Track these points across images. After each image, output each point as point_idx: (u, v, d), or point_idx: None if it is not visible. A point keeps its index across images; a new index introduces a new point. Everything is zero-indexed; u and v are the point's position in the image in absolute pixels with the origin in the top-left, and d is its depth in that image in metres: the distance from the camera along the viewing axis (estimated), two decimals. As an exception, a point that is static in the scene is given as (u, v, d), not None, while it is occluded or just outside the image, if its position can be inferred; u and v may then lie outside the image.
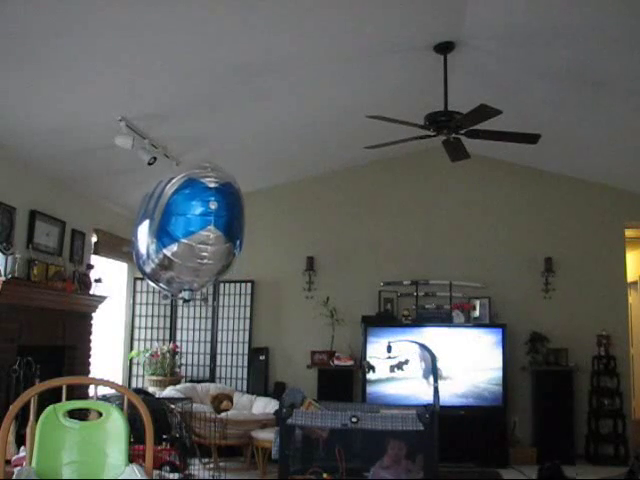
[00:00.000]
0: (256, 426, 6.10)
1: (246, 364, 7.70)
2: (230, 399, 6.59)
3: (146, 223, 3.80)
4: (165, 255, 3.50)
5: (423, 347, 4.72)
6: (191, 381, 7.43)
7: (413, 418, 3.86)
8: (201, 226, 3.26)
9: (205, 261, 3.40)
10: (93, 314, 6.43)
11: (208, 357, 7.82)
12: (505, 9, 4.29)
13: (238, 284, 7.82)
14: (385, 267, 7.61)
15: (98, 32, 3.82)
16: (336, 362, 7.21)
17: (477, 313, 7.30)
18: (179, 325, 7.87)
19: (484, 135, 4.68)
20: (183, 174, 3.44)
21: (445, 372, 6.82)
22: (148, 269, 4.01)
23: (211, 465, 6.03)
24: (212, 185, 3.31)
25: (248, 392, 7.32)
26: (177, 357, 7.48)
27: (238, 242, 3.52)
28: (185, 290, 3.95)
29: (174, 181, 3.43)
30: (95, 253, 6.91)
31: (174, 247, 3.39)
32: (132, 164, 5.53)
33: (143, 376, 7.51)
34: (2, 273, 4.91)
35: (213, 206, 3.23)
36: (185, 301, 4.12)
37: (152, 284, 4.45)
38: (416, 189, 7.81)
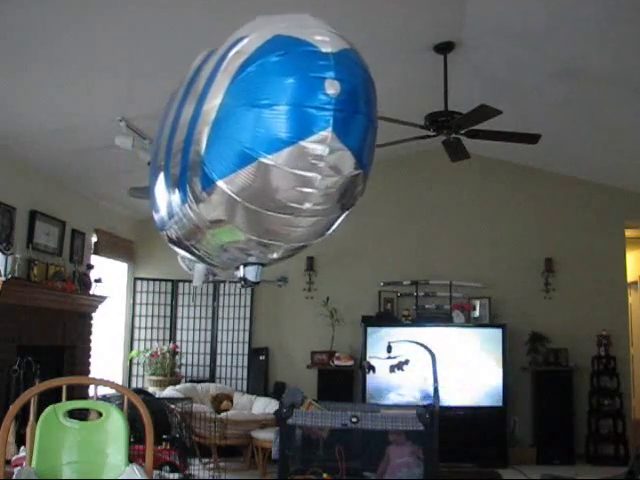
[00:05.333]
0: (256, 426, 6.09)
1: (246, 364, 7.70)
2: (230, 399, 6.58)
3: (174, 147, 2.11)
4: (217, 191, 1.74)
5: (423, 347, 4.71)
6: (191, 381, 7.43)
7: (413, 418, 3.86)
8: (306, 130, 1.56)
9: (306, 206, 1.69)
10: (93, 314, 6.44)
11: (208, 357, 7.82)
12: (505, 9, 4.29)
13: (238, 284, 7.82)
14: (385, 267, 7.61)
15: (98, 32, 3.82)
16: (336, 362, 7.21)
17: (477, 313, 7.30)
18: (179, 325, 7.87)
19: (484, 135, 4.68)
20: (260, 28, 1.73)
21: (445, 372, 6.81)
22: (176, 231, 2.40)
23: (211, 465, 6.03)
24: (328, 49, 1.60)
25: (248, 392, 7.32)
26: (177, 357, 7.48)
27: (367, 171, 1.79)
28: (248, 265, 2.30)
29: (246, 41, 1.70)
30: (95, 253, 6.92)
31: (241, 174, 1.65)
32: (132, 164, 5.52)
33: (143, 376, 7.52)
34: (2, 273, 4.91)
35: (333, 89, 1.55)
36: (248, 284, 2.38)
37: (183, 255, 2.87)
38: (416, 189, 7.81)
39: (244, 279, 2.34)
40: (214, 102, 1.71)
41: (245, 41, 1.71)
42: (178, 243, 2.59)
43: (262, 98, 1.58)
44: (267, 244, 1.98)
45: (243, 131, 1.61)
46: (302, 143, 1.56)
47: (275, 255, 2.16)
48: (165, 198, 2.35)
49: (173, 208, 2.24)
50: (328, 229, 1.99)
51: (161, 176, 2.37)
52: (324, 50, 1.59)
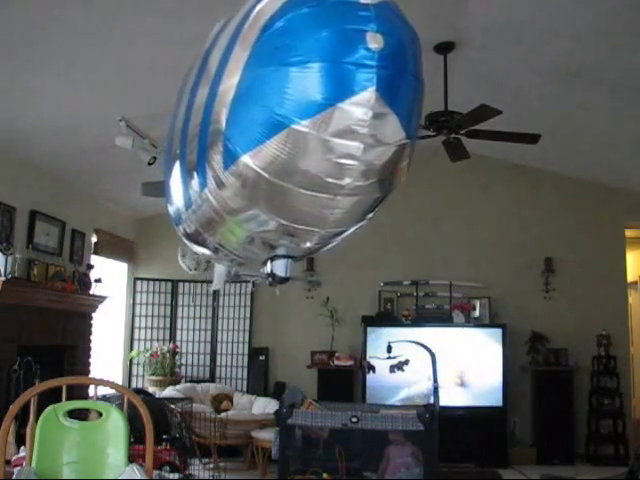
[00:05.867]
0: (256, 426, 6.10)
1: (246, 364, 7.70)
2: (230, 399, 6.58)
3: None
4: (241, 169, 1.52)
5: (423, 347, 4.71)
6: (191, 381, 7.43)
7: (413, 418, 3.86)
8: (346, 90, 1.35)
9: (346, 181, 1.47)
10: (93, 314, 6.44)
11: (208, 357, 7.82)
12: (505, 9, 4.29)
13: (238, 284, 7.82)
14: (385, 267, 7.61)
15: (98, 32, 3.82)
16: (336, 362, 7.21)
17: (477, 313, 7.30)
18: (179, 325, 7.87)
19: (484, 135, 4.68)
20: None
21: (445, 372, 6.81)
22: (194, 223, 2.20)
23: (211, 465, 6.03)
24: (367, 0, 1.38)
25: (248, 392, 7.32)
26: (177, 357, 7.48)
27: (413, 143, 1.53)
28: (275, 259, 2.03)
29: None
30: (95, 253, 6.93)
31: (269, 145, 1.43)
32: (132, 164, 5.53)
33: (143, 376, 7.52)
34: (2, 273, 4.91)
35: (376, 43, 1.35)
36: (276, 281, 2.09)
37: (202, 253, 2.59)
38: (416, 189, 7.78)
39: (272, 275, 2.05)
40: (232, 80, 1.52)
41: None
42: (195, 237, 2.35)
43: (293, 55, 1.36)
44: (299, 231, 1.73)
45: (271, 95, 1.38)
46: (341, 105, 1.34)
47: (308, 244, 1.89)
48: (181, 188, 2.13)
49: (190, 196, 2.03)
50: (368, 213, 1.73)
51: (177, 165, 2.16)
52: (362, 0, 1.36)
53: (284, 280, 2.06)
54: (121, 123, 4.93)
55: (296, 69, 1.35)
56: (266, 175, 1.47)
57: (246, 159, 1.47)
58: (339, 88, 1.34)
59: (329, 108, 1.34)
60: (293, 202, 1.56)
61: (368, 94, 1.33)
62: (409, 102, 1.44)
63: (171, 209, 2.51)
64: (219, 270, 3.13)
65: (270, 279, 2.07)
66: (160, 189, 2.79)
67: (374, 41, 1.34)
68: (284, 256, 2.01)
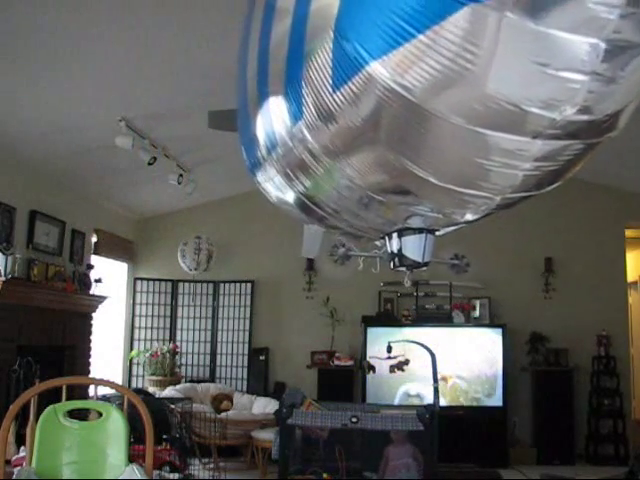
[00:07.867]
0: (256, 426, 6.10)
1: (246, 364, 7.70)
2: (230, 399, 6.58)
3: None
4: (365, 86, 0.93)
5: (423, 347, 4.71)
6: (191, 381, 7.43)
7: (413, 418, 3.86)
8: None
9: (565, 112, 0.82)
10: (93, 314, 6.44)
11: (208, 357, 7.82)
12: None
13: (238, 284, 7.82)
14: (385, 267, 7.59)
15: (99, 33, 3.83)
16: (336, 362, 7.21)
17: (477, 313, 7.30)
18: (179, 325, 7.86)
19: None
20: None
21: (445, 372, 6.81)
22: (279, 171, 1.61)
23: (211, 465, 6.03)
24: None
25: (248, 392, 7.31)
26: (177, 357, 7.48)
27: None
28: (406, 234, 1.38)
29: None
30: (95, 253, 6.93)
31: (421, 43, 0.78)
32: (132, 164, 5.53)
33: (143, 376, 7.51)
34: (2, 273, 4.92)
35: None
36: (404, 266, 1.51)
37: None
38: (416, 189, 7.81)
39: (399, 256, 1.38)
40: None
41: None
42: (277, 189, 1.68)
43: None
44: (458, 196, 1.09)
45: None
46: None
47: (468, 216, 1.26)
48: (263, 127, 1.55)
49: (275, 135, 1.45)
50: (556, 177, 1.06)
51: (259, 115, 1.59)
52: None
53: (418, 265, 1.41)
54: (121, 123, 4.93)
55: None
56: (411, 97, 0.86)
57: (376, 68, 0.88)
58: None
59: None
60: (456, 149, 0.94)
61: None
62: None
63: (247, 158, 1.97)
64: (311, 232, 2.32)
65: (395, 261, 1.44)
66: (230, 120, 2.12)
67: None
68: (420, 230, 1.32)
